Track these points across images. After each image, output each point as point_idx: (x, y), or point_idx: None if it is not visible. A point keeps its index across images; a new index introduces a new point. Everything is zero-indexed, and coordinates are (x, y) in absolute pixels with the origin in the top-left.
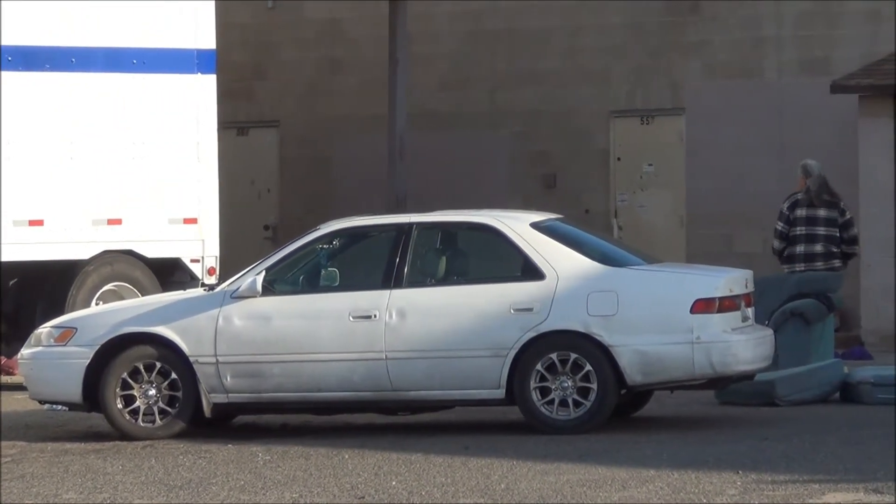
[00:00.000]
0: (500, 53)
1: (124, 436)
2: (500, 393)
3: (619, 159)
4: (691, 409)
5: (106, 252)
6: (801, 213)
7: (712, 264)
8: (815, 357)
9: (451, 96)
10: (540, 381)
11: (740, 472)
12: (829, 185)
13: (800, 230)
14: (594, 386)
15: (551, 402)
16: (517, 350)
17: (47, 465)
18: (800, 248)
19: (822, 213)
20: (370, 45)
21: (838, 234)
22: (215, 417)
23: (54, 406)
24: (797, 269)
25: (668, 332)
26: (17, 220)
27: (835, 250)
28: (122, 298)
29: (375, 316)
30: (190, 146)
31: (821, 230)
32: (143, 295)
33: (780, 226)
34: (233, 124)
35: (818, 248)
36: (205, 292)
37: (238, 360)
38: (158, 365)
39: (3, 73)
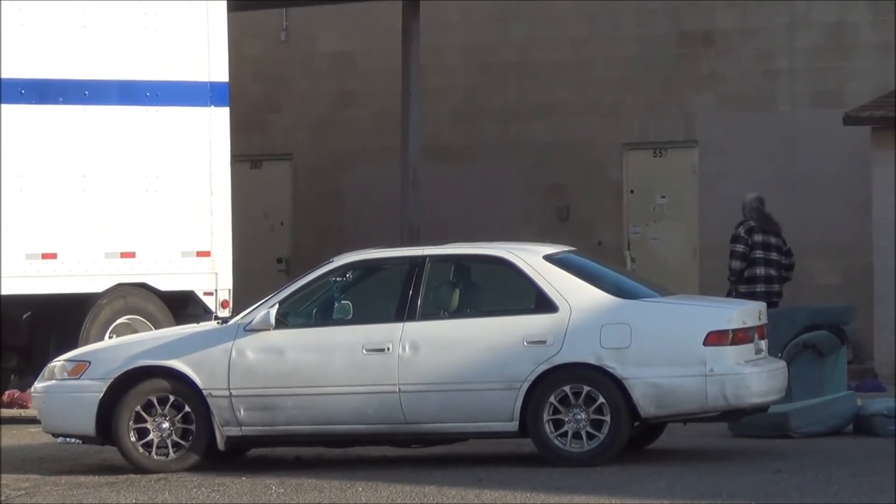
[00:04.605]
0: (513, 86)
1: (138, 469)
2: (513, 425)
3: (632, 191)
4: (704, 442)
5: (119, 285)
6: (758, 238)
7: (725, 296)
8: (829, 389)
9: (463, 129)
10: (553, 414)
11: None
12: (769, 214)
13: (759, 254)
14: (607, 418)
15: (564, 434)
16: (530, 383)
17: (61, 498)
18: (760, 271)
19: (773, 239)
20: (383, 78)
21: (784, 260)
22: (229, 450)
23: (68, 439)
24: (758, 288)
25: (682, 364)
26: (30, 254)
27: (784, 274)
28: (135, 331)
29: (389, 349)
30: (203, 179)
31: (774, 255)
32: (156, 328)
33: (740, 247)
34: (246, 157)
35: (773, 271)
36: (218, 325)
37: (251, 394)
38: (172, 398)
39: (17, 106)
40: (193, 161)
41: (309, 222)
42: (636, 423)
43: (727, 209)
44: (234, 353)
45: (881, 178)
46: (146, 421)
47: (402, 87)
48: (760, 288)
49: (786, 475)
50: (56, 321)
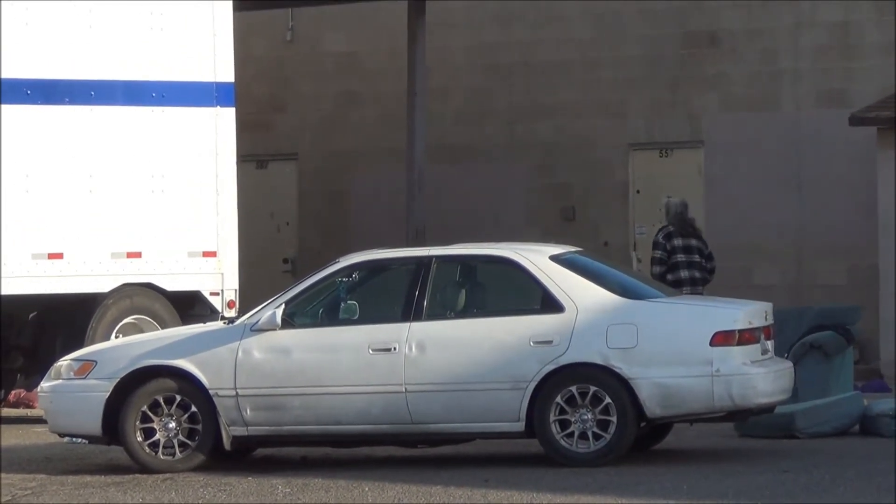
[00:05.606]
0: (518, 86)
1: (144, 469)
2: (519, 426)
3: (637, 192)
4: (711, 442)
5: (125, 285)
6: (677, 242)
7: (731, 297)
8: (835, 390)
9: (469, 129)
10: (559, 414)
11: None
12: (690, 218)
13: (680, 258)
14: (614, 419)
15: (571, 434)
16: (537, 383)
17: (67, 498)
18: (684, 273)
19: (693, 242)
20: (388, 79)
21: (706, 263)
22: (235, 450)
23: (74, 439)
24: (684, 291)
25: (688, 364)
26: (36, 254)
27: (708, 276)
28: (141, 331)
29: (395, 349)
30: (209, 179)
31: (696, 257)
32: (162, 328)
33: (658, 254)
34: (251, 157)
35: (697, 273)
36: (224, 325)
37: (258, 393)
38: (178, 398)
39: (23, 106)
40: (199, 161)
41: (315, 222)
42: (642, 424)
43: (733, 209)
44: (240, 353)
45: (886, 179)
46: (152, 421)
47: (408, 88)
48: (687, 290)
49: (792, 475)
50: (62, 321)
